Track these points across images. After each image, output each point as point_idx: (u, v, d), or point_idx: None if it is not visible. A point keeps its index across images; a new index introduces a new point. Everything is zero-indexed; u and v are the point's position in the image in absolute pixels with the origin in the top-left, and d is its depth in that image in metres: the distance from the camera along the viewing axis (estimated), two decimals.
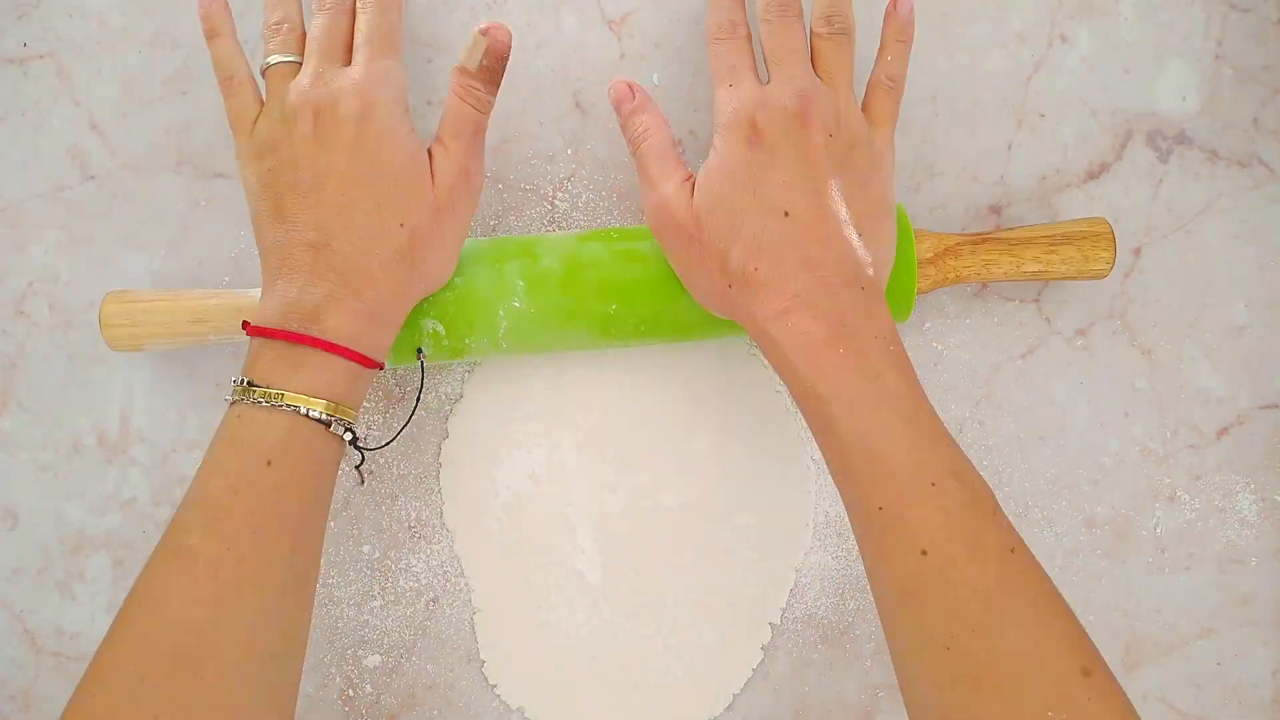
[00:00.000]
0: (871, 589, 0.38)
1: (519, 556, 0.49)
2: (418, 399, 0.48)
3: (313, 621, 0.41)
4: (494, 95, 0.43)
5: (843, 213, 0.40)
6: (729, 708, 0.49)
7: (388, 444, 0.47)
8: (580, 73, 0.50)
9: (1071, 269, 0.46)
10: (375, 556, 0.49)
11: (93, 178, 0.50)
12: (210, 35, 0.44)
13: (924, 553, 0.35)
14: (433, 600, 0.49)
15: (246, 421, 0.38)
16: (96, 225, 0.50)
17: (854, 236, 0.40)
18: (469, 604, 0.49)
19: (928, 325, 0.50)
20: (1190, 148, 0.50)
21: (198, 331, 0.46)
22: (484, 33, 0.41)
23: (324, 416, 0.38)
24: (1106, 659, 0.35)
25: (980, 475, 0.37)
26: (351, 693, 0.49)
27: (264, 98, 0.43)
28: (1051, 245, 0.46)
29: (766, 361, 0.41)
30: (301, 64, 0.43)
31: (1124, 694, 0.34)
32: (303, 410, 0.38)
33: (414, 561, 0.49)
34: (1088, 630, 0.35)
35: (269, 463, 0.38)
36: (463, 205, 0.43)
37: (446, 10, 0.50)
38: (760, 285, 0.39)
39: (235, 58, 0.44)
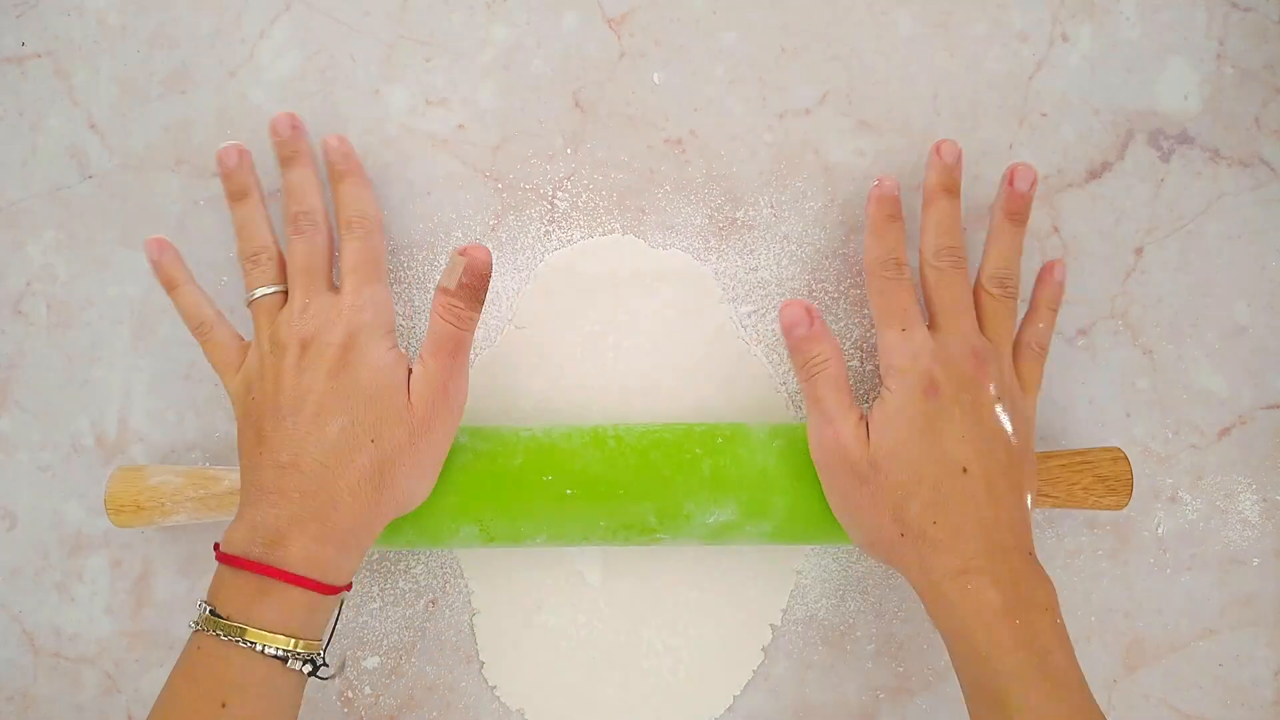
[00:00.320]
0: None
1: (519, 558, 0.49)
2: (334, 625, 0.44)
3: None
4: (477, 313, 0.42)
5: (1012, 476, 0.41)
6: (729, 709, 0.49)
7: (334, 676, 0.47)
8: (580, 72, 0.50)
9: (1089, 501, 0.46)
10: (375, 558, 0.49)
11: (91, 177, 0.50)
12: (170, 287, 0.45)
13: None
14: (432, 601, 0.49)
15: (205, 654, 0.38)
16: (95, 225, 0.50)
17: (1027, 501, 0.41)
18: (468, 605, 0.49)
19: None
20: (1192, 147, 0.50)
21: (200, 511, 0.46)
22: (463, 253, 0.41)
23: (280, 653, 0.38)
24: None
25: None
26: (351, 694, 0.49)
27: (240, 334, 0.44)
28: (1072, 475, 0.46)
29: (929, 615, 0.41)
30: (286, 292, 0.43)
31: None
32: (258, 648, 0.38)
33: (413, 563, 0.49)
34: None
35: (223, 704, 0.37)
36: (441, 424, 0.42)
37: (446, 10, 0.50)
38: (937, 541, 0.40)
39: (201, 304, 0.45)
